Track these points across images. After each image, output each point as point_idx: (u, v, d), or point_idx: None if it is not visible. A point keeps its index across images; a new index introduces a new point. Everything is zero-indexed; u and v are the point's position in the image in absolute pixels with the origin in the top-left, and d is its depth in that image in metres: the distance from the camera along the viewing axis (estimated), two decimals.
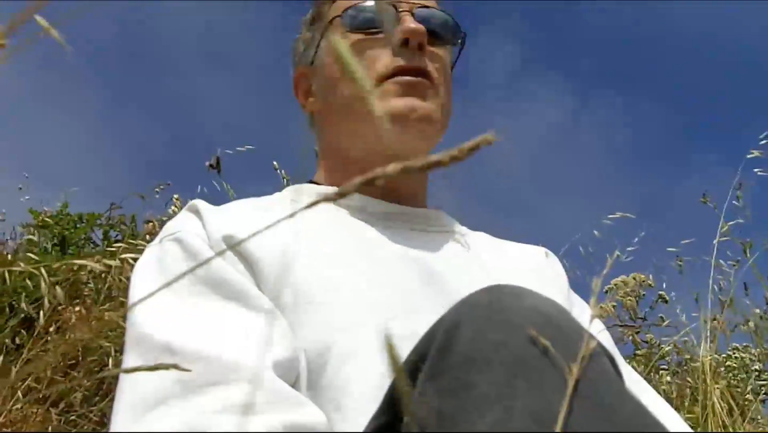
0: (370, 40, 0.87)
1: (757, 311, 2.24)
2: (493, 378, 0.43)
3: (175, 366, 0.55)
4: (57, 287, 1.98)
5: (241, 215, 0.79)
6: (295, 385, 0.66)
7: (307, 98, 0.96)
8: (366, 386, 0.65)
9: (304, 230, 0.78)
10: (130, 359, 0.67)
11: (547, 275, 0.91)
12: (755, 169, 2.38)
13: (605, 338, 0.88)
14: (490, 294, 0.50)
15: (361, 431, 0.56)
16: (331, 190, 0.87)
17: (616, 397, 0.43)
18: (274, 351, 0.64)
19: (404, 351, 0.64)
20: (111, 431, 0.62)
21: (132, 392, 0.61)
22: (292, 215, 0.27)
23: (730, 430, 1.75)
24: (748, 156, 2.36)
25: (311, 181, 0.93)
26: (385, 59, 0.85)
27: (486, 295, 0.50)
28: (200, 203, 0.79)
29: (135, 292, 0.72)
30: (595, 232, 2.76)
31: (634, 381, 0.84)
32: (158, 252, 0.74)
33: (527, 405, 0.41)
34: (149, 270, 0.73)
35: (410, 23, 0.85)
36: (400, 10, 0.87)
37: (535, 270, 0.90)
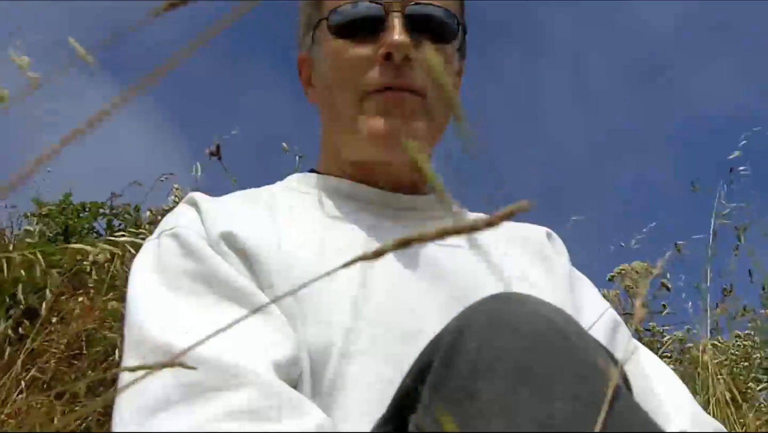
0: (356, 46, 0.82)
1: (763, 312, 2.25)
2: (497, 386, 0.43)
3: (182, 364, 0.55)
4: (53, 270, 1.98)
5: (239, 209, 0.78)
6: (298, 384, 0.66)
7: (308, 86, 0.94)
8: (367, 386, 0.65)
9: (304, 225, 0.78)
10: (129, 361, 0.66)
11: (549, 257, 0.90)
12: (740, 168, 2.44)
13: (620, 327, 0.86)
14: (494, 302, 0.50)
15: (367, 431, 0.56)
16: (329, 180, 0.87)
17: (627, 410, 0.43)
18: (275, 352, 0.64)
19: (403, 353, 0.64)
20: None
21: (133, 397, 0.61)
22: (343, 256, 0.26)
23: (734, 420, 1.75)
24: (729, 157, 2.43)
25: (313, 170, 0.93)
26: (371, 73, 0.81)
27: (491, 303, 0.50)
28: (198, 196, 0.78)
29: (133, 289, 0.72)
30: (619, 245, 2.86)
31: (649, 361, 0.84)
32: (155, 248, 0.74)
33: (532, 413, 0.41)
34: (147, 267, 0.73)
35: (395, 34, 0.79)
36: (391, 10, 0.81)
37: (537, 252, 0.89)
